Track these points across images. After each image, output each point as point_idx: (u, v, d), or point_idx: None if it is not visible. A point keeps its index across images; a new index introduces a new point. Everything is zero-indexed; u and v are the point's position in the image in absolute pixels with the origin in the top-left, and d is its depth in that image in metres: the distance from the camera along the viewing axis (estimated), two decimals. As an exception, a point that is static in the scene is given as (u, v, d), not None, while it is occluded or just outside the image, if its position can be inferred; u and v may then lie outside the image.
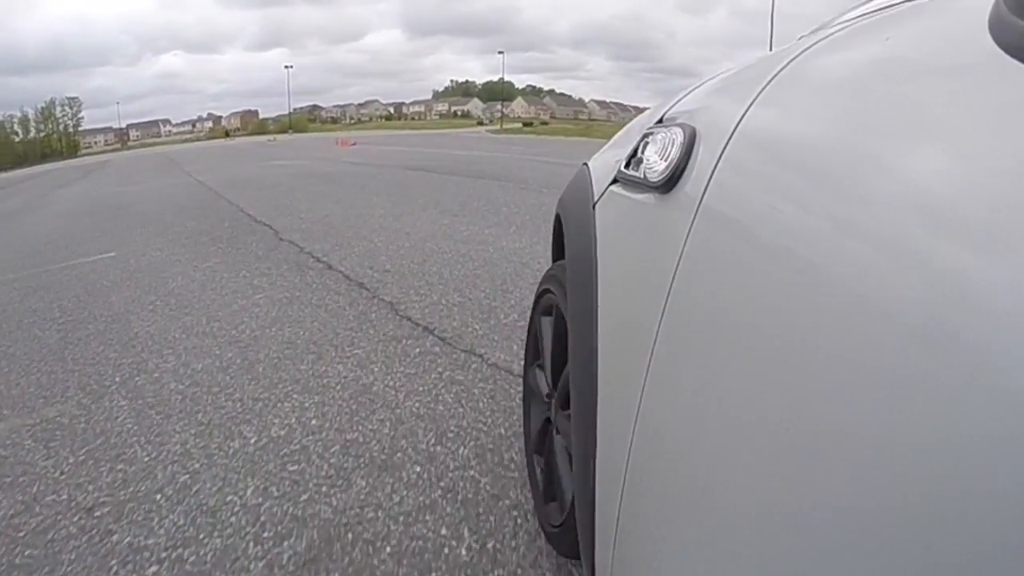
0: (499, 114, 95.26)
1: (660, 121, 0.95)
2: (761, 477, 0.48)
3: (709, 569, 0.54)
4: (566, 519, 1.12)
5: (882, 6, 0.74)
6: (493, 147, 21.66)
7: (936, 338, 0.35)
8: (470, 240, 4.55)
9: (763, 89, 0.68)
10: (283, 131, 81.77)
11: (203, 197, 8.74)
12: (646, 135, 0.93)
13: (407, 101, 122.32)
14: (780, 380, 0.47)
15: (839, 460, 0.40)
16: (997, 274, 0.34)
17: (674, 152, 0.77)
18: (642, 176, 0.85)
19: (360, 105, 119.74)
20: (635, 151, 0.94)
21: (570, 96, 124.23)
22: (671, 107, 0.98)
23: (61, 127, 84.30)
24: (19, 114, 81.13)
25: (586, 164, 1.25)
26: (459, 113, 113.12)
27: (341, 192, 7.99)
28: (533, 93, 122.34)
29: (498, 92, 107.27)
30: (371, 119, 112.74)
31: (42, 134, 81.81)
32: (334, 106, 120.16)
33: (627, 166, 0.95)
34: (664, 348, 0.66)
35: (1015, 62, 0.40)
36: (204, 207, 7.60)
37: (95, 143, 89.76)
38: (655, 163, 0.82)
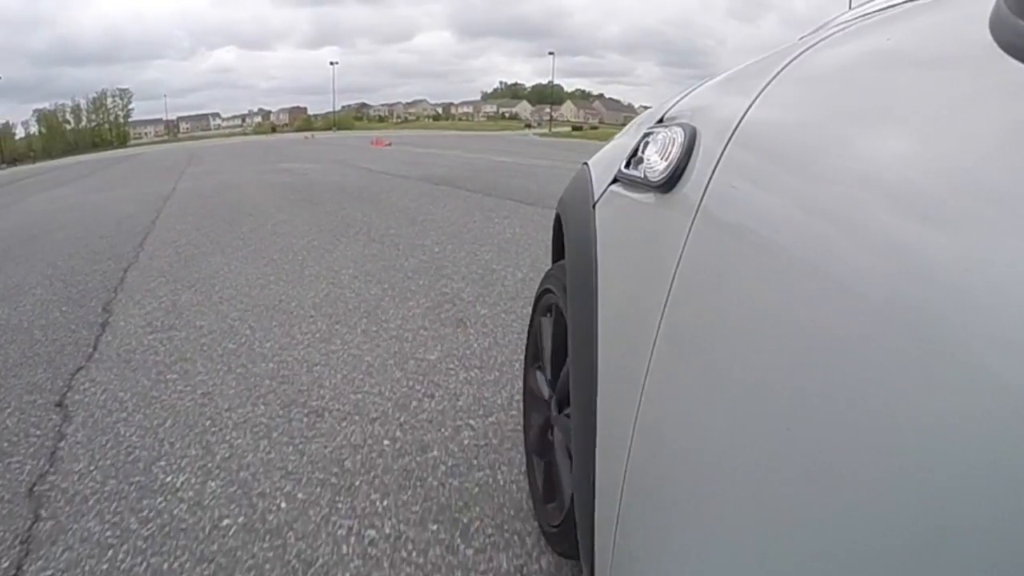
0: (547, 117, 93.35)
1: (660, 121, 0.95)
2: (761, 477, 0.48)
3: (709, 569, 0.54)
4: (565, 519, 1.11)
5: (882, 6, 0.74)
6: (539, 152, 19.32)
7: (937, 339, 0.35)
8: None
9: (763, 89, 0.68)
10: (328, 128, 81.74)
11: (133, 226, 6.12)
12: (646, 135, 0.93)
13: (455, 102, 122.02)
14: (780, 380, 0.47)
15: (839, 460, 0.40)
16: (1003, 275, 0.34)
17: (674, 152, 0.77)
18: (642, 176, 0.85)
19: (408, 104, 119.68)
20: (635, 151, 0.95)
21: (619, 101, 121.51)
22: (671, 107, 0.98)
23: (112, 117, 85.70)
24: (71, 104, 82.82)
25: (586, 164, 1.25)
26: (507, 115, 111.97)
27: (305, 232, 5.12)
28: (582, 97, 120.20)
29: (547, 95, 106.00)
30: (418, 118, 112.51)
31: (93, 124, 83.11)
32: (382, 105, 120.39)
33: (627, 166, 0.96)
34: (664, 347, 0.66)
35: (1016, 62, 0.40)
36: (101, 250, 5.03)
37: (145, 134, 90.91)
38: (655, 163, 0.82)
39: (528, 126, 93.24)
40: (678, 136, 0.78)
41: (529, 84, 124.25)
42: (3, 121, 75.66)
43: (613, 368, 0.82)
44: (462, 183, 8.75)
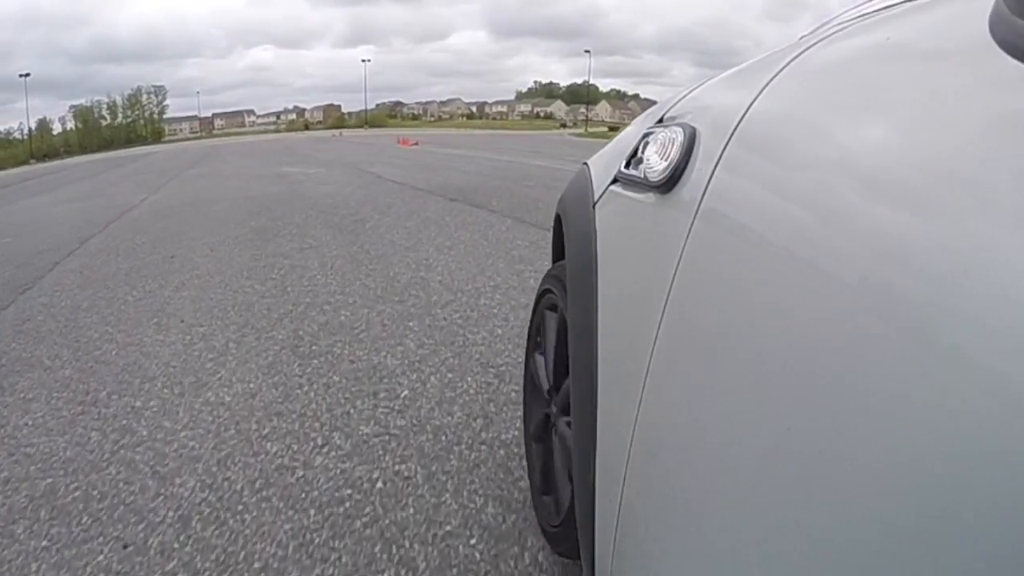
0: (582, 117, 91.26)
1: (660, 121, 0.95)
2: (761, 477, 0.48)
3: (709, 569, 0.54)
4: (565, 519, 1.10)
5: (882, 6, 0.74)
6: (579, 154, 16.30)
7: (938, 338, 0.35)
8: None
9: (763, 89, 0.68)
10: (360, 125, 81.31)
11: (36, 267, 4.28)
12: (646, 135, 0.93)
13: (490, 101, 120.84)
14: (780, 380, 0.47)
15: (839, 459, 0.40)
16: (1003, 275, 0.34)
17: (674, 152, 0.77)
18: (642, 176, 0.85)
19: (442, 103, 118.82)
20: (635, 151, 0.94)
21: (655, 102, 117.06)
22: (671, 107, 0.98)
23: (147, 114, 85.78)
24: (107, 100, 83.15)
25: (586, 164, 1.24)
26: (541, 114, 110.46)
27: (209, 308, 3.06)
28: (617, 97, 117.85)
29: (582, 95, 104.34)
30: (452, 117, 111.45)
31: (128, 120, 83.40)
32: (416, 103, 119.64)
33: (627, 166, 0.95)
34: (664, 348, 0.66)
35: (1015, 62, 0.40)
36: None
37: (180, 130, 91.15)
38: (655, 163, 0.81)
39: (563, 125, 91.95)
40: (678, 136, 0.78)
41: (564, 84, 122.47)
42: (42, 116, 76.93)
43: (613, 368, 0.82)
44: (485, 198, 6.70)
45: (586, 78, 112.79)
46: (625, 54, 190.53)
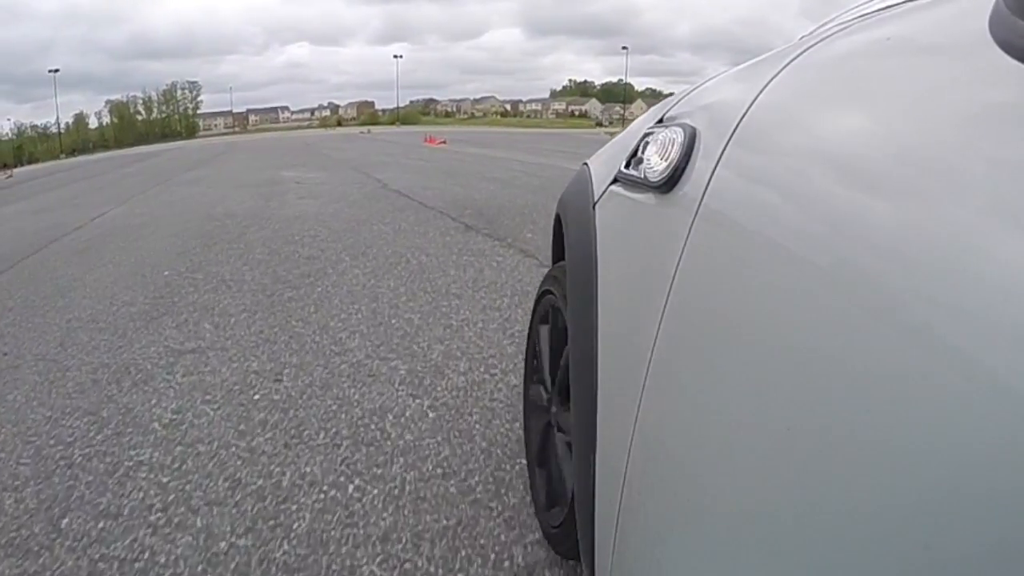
0: (617, 116, 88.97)
1: (660, 121, 0.94)
2: (761, 477, 0.48)
3: (709, 569, 0.54)
4: (565, 519, 1.10)
5: (882, 6, 0.74)
6: None
7: (939, 339, 0.35)
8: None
9: (763, 89, 0.68)
10: (392, 122, 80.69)
11: None
12: (646, 135, 0.92)
13: (524, 99, 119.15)
14: (780, 380, 0.47)
15: (839, 460, 0.40)
16: (1006, 277, 0.33)
17: (674, 152, 0.77)
18: (642, 176, 0.85)
19: (476, 101, 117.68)
20: (635, 151, 0.94)
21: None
22: (671, 107, 0.97)
23: (181, 109, 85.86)
24: (142, 95, 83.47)
25: (586, 164, 1.23)
26: (576, 113, 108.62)
27: None
28: (653, 96, 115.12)
29: (617, 93, 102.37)
30: (485, 115, 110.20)
31: (163, 115, 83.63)
32: (449, 100, 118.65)
33: (627, 166, 0.95)
34: (664, 348, 0.66)
35: (1015, 62, 0.40)
36: None
37: (214, 125, 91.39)
38: (655, 163, 0.81)
39: (599, 124, 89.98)
40: (678, 136, 0.78)
41: (599, 82, 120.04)
42: (79, 111, 77.73)
43: (613, 368, 0.82)
44: (516, 224, 4.80)
45: (621, 77, 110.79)
46: (660, 53, 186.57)
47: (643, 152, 0.88)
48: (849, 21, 0.77)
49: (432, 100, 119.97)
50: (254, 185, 9.01)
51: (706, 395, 0.57)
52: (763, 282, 0.52)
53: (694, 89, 0.97)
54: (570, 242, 1.07)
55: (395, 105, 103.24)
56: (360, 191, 7.65)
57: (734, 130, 0.66)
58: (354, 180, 9.18)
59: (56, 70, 64.46)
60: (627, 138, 1.08)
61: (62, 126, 72.14)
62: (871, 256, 0.41)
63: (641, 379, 0.68)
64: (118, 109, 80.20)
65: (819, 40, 0.71)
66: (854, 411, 0.39)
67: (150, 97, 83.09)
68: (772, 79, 0.67)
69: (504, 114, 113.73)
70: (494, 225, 4.82)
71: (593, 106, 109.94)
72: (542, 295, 1.39)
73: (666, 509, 0.62)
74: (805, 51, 0.69)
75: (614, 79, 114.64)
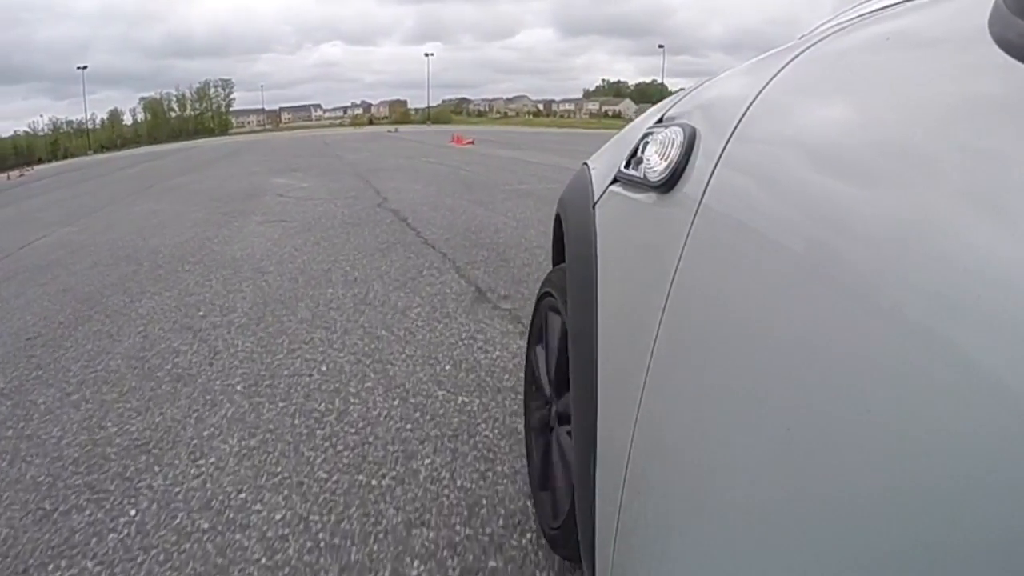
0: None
1: (660, 121, 0.94)
2: (761, 476, 0.47)
3: (709, 569, 0.53)
4: (566, 519, 1.09)
5: (882, 5, 0.73)
6: None
7: (939, 341, 0.35)
8: None
9: (763, 89, 0.67)
10: (423, 121, 79.70)
11: None
12: (646, 135, 0.92)
13: (557, 99, 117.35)
14: (780, 379, 0.47)
15: (839, 459, 0.40)
16: (1008, 280, 0.33)
17: (674, 152, 0.76)
18: (642, 176, 0.84)
19: (508, 100, 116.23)
20: (635, 151, 0.93)
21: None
22: (671, 107, 0.97)
23: (214, 106, 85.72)
24: (176, 93, 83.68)
25: (586, 164, 1.22)
26: (610, 113, 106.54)
27: None
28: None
29: (650, 93, 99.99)
30: (518, 114, 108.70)
31: (196, 112, 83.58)
32: (482, 99, 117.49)
33: (627, 166, 0.94)
34: (664, 348, 0.65)
35: (1015, 61, 0.40)
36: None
37: (248, 123, 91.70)
38: (655, 163, 0.80)
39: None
40: (677, 136, 0.77)
41: (632, 82, 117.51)
42: (113, 108, 78.30)
43: (613, 368, 0.81)
44: (543, 268, 2.95)
45: (655, 77, 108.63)
46: (693, 53, 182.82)
47: (643, 152, 0.88)
48: (848, 21, 0.78)
49: (465, 99, 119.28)
50: (226, 198, 7.50)
51: (706, 395, 0.57)
52: (763, 282, 0.52)
53: (694, 89, 0.98)
54: (570, 242, 1.08)
55: (427, 104, 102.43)
56: (348, 210, 5.98)
57: (734, 130, 0.66)
58: (349, 192, 7.56)
59: (84, 67, 64.97)
60: (627, 138, 1.07)
61: (97, 122, 72.61)
62: (871, 256, 0.41)
63: (641, 379, 0.67)
64: (151, 106, 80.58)
65: (819, 39, 0.71)
66: (854, 411, 0.39)
67: (183, 94, 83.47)
68: (772, 78, 0.67)
69: (537, 114, 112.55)
70: (521, 286, 3.01)
71: (627, 106, 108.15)
72: (542, 296, 1.38)
73: (666, 509, 0.61)
74: (805, 50, 0.69)
75: (647, 79, 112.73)
